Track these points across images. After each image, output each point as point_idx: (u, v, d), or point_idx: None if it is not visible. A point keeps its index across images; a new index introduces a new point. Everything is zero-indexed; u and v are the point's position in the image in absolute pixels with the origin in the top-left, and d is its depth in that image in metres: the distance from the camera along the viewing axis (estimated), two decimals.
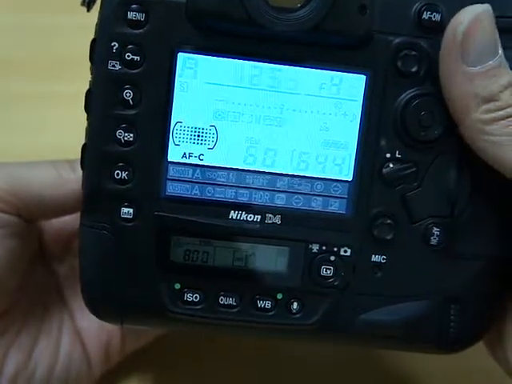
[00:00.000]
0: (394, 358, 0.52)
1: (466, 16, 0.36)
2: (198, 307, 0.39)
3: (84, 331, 0.47)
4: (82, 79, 0.39)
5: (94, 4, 0.40)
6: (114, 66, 0.37)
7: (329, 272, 0.39)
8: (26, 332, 0.46)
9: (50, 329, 0.47)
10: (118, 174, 0.37)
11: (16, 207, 0.43)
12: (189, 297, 0.39)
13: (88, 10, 0.40)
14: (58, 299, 0.48)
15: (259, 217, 0.38)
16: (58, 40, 0.57)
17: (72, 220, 0.47)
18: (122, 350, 0.48)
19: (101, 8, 0.37)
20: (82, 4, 0.40)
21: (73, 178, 0.43)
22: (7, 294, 0.44)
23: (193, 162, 0.38)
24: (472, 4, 0.37)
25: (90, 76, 0.38)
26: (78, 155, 0.39)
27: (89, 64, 0.38)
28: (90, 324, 0.47)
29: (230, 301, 0.39)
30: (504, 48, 0.37)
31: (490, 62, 0.35)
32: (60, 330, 0.47)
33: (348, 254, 0.39)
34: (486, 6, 0.36)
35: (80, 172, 0.39)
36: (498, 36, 0.36)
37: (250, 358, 0.51)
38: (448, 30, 0.36)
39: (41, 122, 0.56)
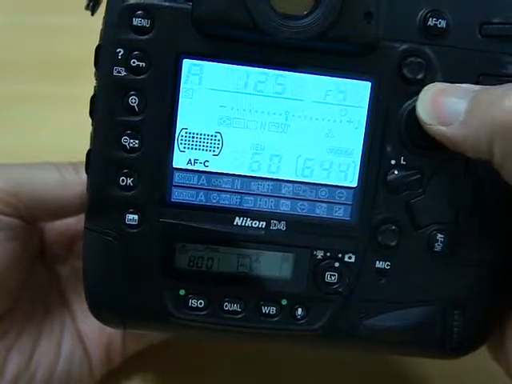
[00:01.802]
0: (394, 359, 0.52)
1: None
2: (203, 313, 0.39)
3: (85, 333, 0.47)
4: (82, 80, 0.39)
5: (98, 8, 0.40)
6: (119, 72, 0.36)
7: (333, 278, 0.39)
8: (27, 333, 0.45)
9: (52, 330, 0.46)
10: (123, 181, 0.37)
11: (18, 209, 0.43)
12: (193, 303, 0.39)
13: (92, 14, 0.40)
14: (60, 301, 0.48)
15: (264, 223, 0.38)
16: (59, 41, 0.57)
17: (74, 222, 0.47)
18: (123, 351, 0.48)
19: (106, 14, 0.37)
20: (87, 8, 0.40)
21: (76, 181, 0.43)
22: (8, 296, 0.44)
23: (198, 169, 0.38)
24: (476, 9, 0.37)
25: (90, 77, 0.38)
26: (78, 156, 0.39)
27: (89, 65, 0.37)
28: (91, 326, 0.47)
29: (235, 307, 0.39)
30: (511, 55, 0.37)
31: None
32: (61, 331, 0.47)
33: (352, 260, 0.39)
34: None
35: (83, 174, 0.39)
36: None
37: (251, 359, 0.51)
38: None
39: (40, 123, 0.56)
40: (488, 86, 0.36)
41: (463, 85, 0.36)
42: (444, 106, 0.36)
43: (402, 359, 0.51)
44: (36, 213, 0.44)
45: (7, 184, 0.43)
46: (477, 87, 0.36)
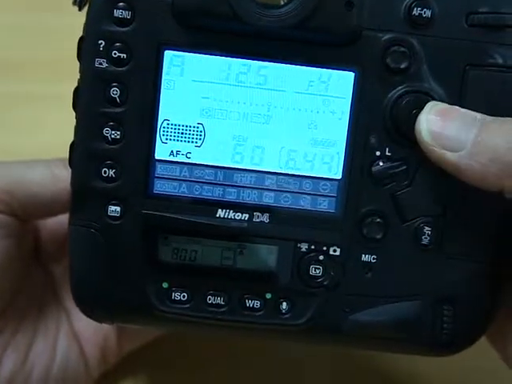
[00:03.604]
0: (392, 358, 0.51)
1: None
2: (186, 306, 0.38)
3: (81, 331, 0.47)
4: None
5: (85, 3, 0.40)
6: (100, 63, 0.37)
7: (318, 272, 0.38)
8: (22, 332, 0.45)
9: (47, 329, 0.46)
10: (105, 172, 0.37)
11: (11, 206, 0.43)
12: (176, 296, 0.38)
13: (80, 9, 0.40)
14: (55, 299, 0.48)
15: (247, 215, 0.38)
16: (59, 41, 0.57)
17: (67, 220, 0.47)
18: (119, 350, 0.48)
19: (88, 6, 0.37)
20: (74, 3, 0.40)
21: (65, 176, 0.43)
22: (2, 294, 0.44)
23: (180, 160, 0.38)
24: None
25: None
26: None
27: None
28: (86, 324, 0.47)
29: (218, 300, 0.38)
30: (498, 44, 0.37)
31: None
32: (57, 330, 0.47)
33: (337, 253, 0.38)
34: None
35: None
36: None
37: (248, 359, 0.50)
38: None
39: (40, 123, 0.56)
40: (497, 118, 0.35)
41: (469, 111, 0.36)
42: (449, 129, 0.35)
43: (399, 357, 0.50)
44: (29, 209, 0.44)
45: (0, 181, 0.43)
46: (482, 116, 0.35)
